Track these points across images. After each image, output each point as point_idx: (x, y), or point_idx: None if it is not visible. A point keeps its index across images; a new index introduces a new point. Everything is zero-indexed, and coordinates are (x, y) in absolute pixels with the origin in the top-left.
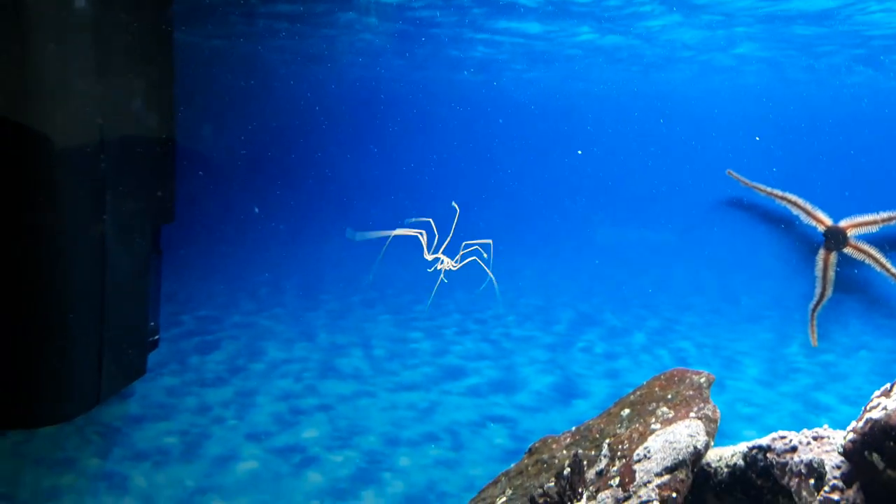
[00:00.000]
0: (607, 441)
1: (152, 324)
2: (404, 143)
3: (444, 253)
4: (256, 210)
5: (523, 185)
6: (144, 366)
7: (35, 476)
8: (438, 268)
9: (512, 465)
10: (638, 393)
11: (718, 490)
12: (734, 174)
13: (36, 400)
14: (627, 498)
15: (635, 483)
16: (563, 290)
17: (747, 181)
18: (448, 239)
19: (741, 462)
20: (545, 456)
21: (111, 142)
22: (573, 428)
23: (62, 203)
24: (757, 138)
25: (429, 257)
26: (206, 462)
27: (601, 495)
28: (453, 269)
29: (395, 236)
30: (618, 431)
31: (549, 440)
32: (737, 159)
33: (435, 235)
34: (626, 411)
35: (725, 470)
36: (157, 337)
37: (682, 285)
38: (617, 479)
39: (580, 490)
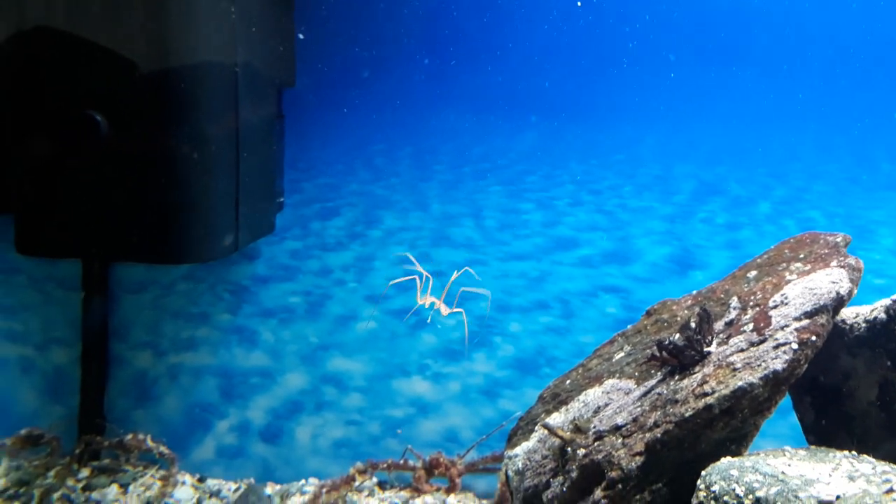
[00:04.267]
0: (735, 296)
1: (277, 187)
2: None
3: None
4: None
5: (645, 48)
6: (273, 225)
7: (174, 327)
8: (427, 306)
9: (628, 327)
10: (765, 256)
11: (853, 345)
12: None
13: (188, 240)
14: (763, 340)
15: (771, 327)
16: (685, 158)
17: None
18: (446, 288)
19: (882, 315)
20: (665, 316)
21: (240, 3)
22: (693, 292)
23: (203, 49)
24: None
25: (420, 301)
26: (328, 321)
27: (733, 339)
28: (443, 314)
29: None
30: (745, 290)
31: (669, 302)
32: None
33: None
34: (753, 273)
35: (863, 325)
36: (282, 199)
37: (814, 152)
38: (751, 325)
39: (709, 338)
